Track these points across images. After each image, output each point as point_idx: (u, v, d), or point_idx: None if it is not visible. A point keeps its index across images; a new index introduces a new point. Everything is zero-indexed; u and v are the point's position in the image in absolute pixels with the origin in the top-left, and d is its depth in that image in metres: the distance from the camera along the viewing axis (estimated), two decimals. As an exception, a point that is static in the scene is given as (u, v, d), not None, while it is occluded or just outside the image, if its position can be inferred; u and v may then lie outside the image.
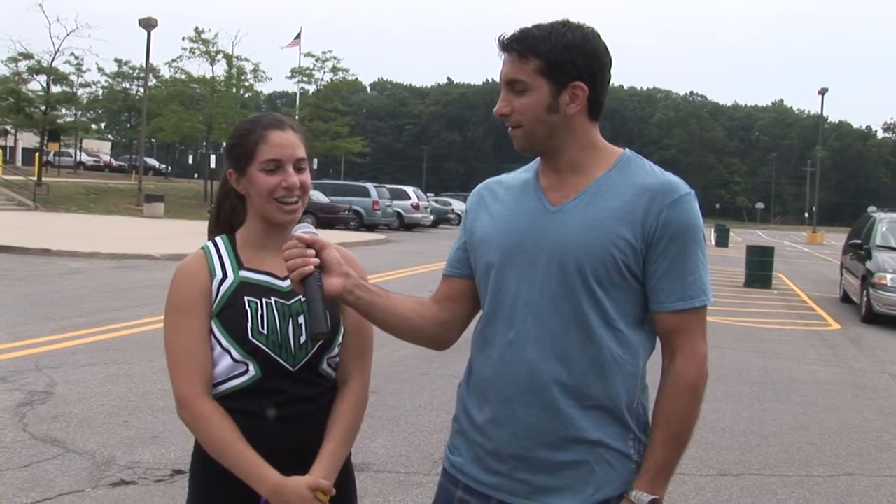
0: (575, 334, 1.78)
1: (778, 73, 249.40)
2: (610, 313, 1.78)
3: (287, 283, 2.01)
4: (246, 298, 1.96)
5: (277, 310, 1.98)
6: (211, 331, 1.95)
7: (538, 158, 1.92)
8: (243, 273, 2.00)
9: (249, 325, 1.94)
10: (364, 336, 2.09)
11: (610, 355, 1.78)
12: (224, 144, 2.15)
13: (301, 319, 1.99)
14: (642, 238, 1.77)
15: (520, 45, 1.79)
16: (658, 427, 1.80)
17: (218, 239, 2.07)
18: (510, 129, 1.85)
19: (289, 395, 1.96)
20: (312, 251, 1.80)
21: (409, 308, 1.94)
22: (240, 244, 2.05)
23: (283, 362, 1.95)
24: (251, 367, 1.94)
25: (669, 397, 1.80)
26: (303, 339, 1.98)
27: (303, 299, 1.98)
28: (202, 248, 2.05)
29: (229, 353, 1.94)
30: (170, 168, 78.07)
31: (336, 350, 2.04)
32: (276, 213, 1.99)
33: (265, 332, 1.95)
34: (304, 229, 1.85)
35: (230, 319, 1.95)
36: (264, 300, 1.97)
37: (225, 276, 1.99)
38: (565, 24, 1.80)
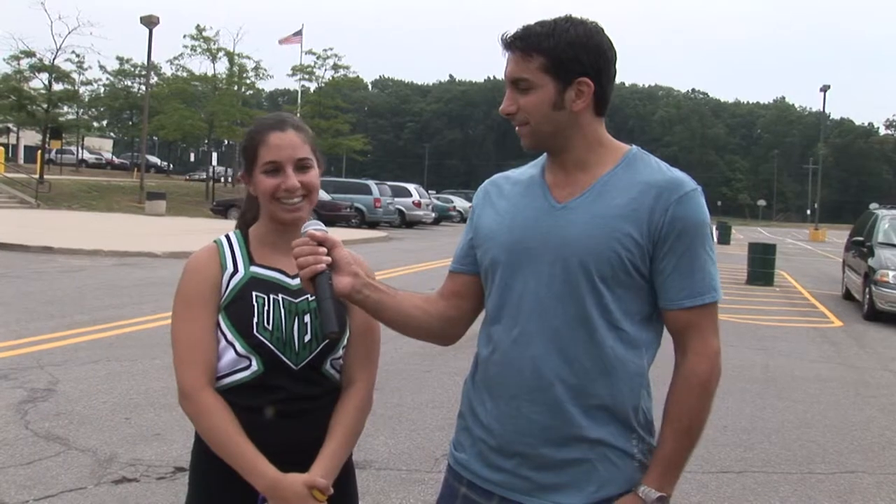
0: (578, 333, 1.78)
1: (779, 70, 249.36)
2: (614, 312, 1.78)
3: (296, 281, 2.01)
4: (254, 293, 1.97)
5: (284, 307, 1.98)
6: (217, 324, 1.96)
7: (545, 154, 1.91)
8: (254, 269, 2.01)
9: (255, 319, 1.95)
10: (371, 339, 2.09)
11: (613, 354, 1.78)
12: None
13: (307, 318, 1.99)
14: (648, 236, 1.76)
15: (523, 43, 1.77)
16: (668, 423, 1.79)
17: (231, 234, 2.09)
18: (517, 127, 1.84)
19: (289, 393, 1.96)
20: (324, 249, 1.79)
21: (416, 306, 1.94)
22: (252, 241, 2.06)
23: (286, 359, 1.96)
24: (254, 362, 1.95)
25: (681, 394, 1.79)
26: (307, 337, 1.98)
27: (311, 298, 1.98)
28: (215, 241, 2.07)
29: (234, 346, 1.95)
30: (171, 166, 78.13)
31: (340, 352, 2.04)
32: (280, 212, 2.00)
33: (270, 327, 1.95)
34: (315, 226, 1.84)
35: (237, 313, 1.96)
36: (272, 296, 1.98)
37: (236, 270, 2.00)
38: (568, 20, 1.79)
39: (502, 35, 1.81)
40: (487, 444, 1.87)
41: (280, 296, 1.99)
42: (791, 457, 5.85)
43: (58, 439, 5.26)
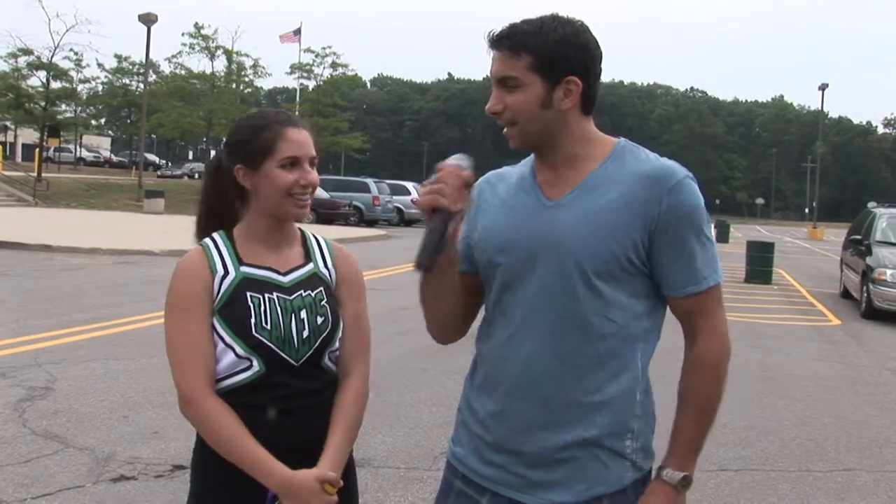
0: (573, 329, 1.78)
1: (778, 68, 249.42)
2: (608, 307, 1.78)
3: (288, 278, 2.02)
4: (248, 294, 1.97)
5: (280, 305, 1.98)
6: (213, 327, 1.95)
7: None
8: (244, 269, 2.00)
9: (253, 320, 1.95)
10: (363, 330, 2.11)
11: (607, 350, 1.78)
12: (225, 140, 2.12)
13: (304, 314, 1.99)
14: (644, 227, 1.76)
15: (510, 42, 1.77)
16: (684, 406, 1.82)
17: (215, 235, 2.07)
18: (504, 128, 1.83)
19: (292, 389, 1.96)
20: (466, 193, 1.78)
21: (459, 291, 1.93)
22: (238, 240, 2.05)
23: (286, 357, 1.96)
24: (255, 363, 1.95)
25: (694, 376, 1.82)
26: (305, 333, 1.98)
27: (305, 293, 2.01)
28: (201, 244, 2.05)
29: (233, 349, 1.94)
30: (169, 164, 78.08)
31: (337, 344, 2.05)
32: (292, 208, 1.99)
33: (269, 327, 1.95)
34: (462, 164, 1.79)
35: (233, 315, 1.95)
36: (266, 296, 1.98)
37: (226, 272, 1.99)
38: (555, 19, 1.78)
39: (488, 33, 1.80)
40: (482, 440, 1.88)
41: (275, 294, 1.99)
42: (789, 455, 5.86)
43: (56, 437, 5.26)
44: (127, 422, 5.67)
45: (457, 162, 1.80)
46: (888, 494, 5.17)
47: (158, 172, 63.24)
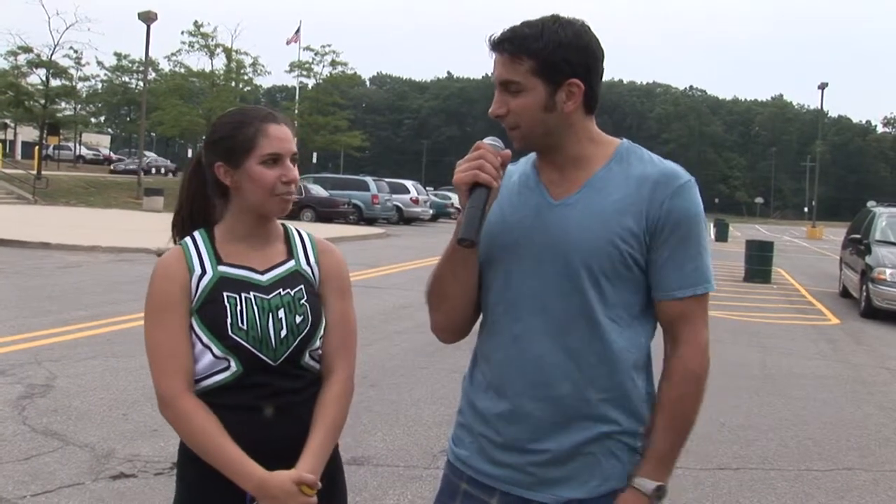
0: (582, 328, 1.78)
1: (777, 67, 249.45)
2: (615, 305, 1.79)
3: (267, 277, 2.00)
4: (225, 294, 1.94)
5: (257, 304, 1.95)
6: (191, 327, 1.94)
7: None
8: (222, 268, 1.98)
9: (229, 321, 1.92)
10: (347, 328, 2.08)
11: (616, 347, 1.79)
12: (206, 138, 2.10)
13: (281, 313, 1.96)
14: (647, 228, 1.77)
15: (511, 46, 1.76)
16: (661, 415, 1.80)
17: (196, 234, 2.04)
18: (508, 129, 1.83)
19: (272, 388, 1.94)
20: (502, 173, 1.78)
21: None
22: (219, 239, 2.02)
23: (264, 357, 1.94)
24: (232, 363, 1.93)
25: (673, 385, 1.80)
26: (283, 332, 1.96)
27: (284, 292, 1.98)
28: (180, 243, 2.03)
29: (210, 349, 1.92)
30: (168, 162, 77.98)
31: (318, 343, 2.02)
32: (276, 204, 1.97)
33: (245, 327, 1.93)
34: (498, 145, 1.80)
35: (210, 316, 1.93)
36: (243, 295, 1.95)
37: (204, 271, 1.96)
38: (556, 21, 1.77)
39: (489, 36, 1.79)
40: (489, 440, 1.87)
41: (252, 294, 1.96)
42: (788, 454, 5.86)
43: (55, 435, 5.26)
44: (126, 419, 5.67)
45: (493, 142, 1.80)
46: (887, 493, 5.17)
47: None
